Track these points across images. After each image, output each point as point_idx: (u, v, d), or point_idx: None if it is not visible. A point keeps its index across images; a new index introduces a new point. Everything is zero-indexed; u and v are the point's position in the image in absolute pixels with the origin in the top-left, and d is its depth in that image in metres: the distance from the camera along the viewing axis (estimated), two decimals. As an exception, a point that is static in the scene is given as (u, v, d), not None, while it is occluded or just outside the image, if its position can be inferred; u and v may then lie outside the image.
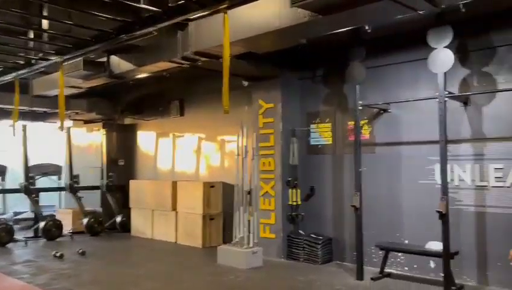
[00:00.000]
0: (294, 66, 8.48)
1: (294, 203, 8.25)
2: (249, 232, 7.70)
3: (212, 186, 9.66)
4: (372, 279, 6.67)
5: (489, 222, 6.25)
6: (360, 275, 6.76)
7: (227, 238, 9.08)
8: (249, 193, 7.76)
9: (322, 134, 8.29)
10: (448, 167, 6.15)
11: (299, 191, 8.28)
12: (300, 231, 8.23)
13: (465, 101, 6.50)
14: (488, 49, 6.34)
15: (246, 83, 8.71)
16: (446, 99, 6.01)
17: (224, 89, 5.41)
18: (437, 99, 6.05)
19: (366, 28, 6.15)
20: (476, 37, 6.40)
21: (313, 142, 8.44)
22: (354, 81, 6.99)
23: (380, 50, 7.25)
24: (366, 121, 7.58)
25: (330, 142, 8.17)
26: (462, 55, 6.46)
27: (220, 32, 5.58)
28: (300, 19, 5.44)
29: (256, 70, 8.04)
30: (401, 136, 7.21)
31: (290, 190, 8.26)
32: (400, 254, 7.10)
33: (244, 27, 6.08)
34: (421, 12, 5.28)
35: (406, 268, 7.06)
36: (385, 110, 7.36)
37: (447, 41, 5.92)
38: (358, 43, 6.89)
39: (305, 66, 8.46)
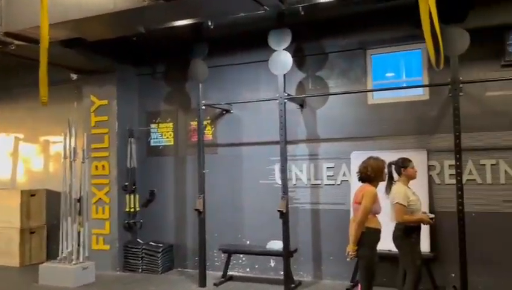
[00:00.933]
0: (132, 60, 7.82)
1: (132, 210, 7.59)
2: (79, 246, 6.76)
3: (33, 195, 8.32)
4: (215, 284, 6.45)
5: (323, 218, 6.59)
6: (202, 281, 6.48)
7: (52, 254, 7.89)
8: (79, 200, 6.82)
9: (163, 134, 7.81)
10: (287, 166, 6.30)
11: (137, 196, 7.65)
12: (139, 240, 7.60)
13: (302, 104, 6.77)
14: (321, 54, 6.70)
15: (74, 76, 7.70)
16: (285, 101, 6.14)
17: (41, 75, 4.46)
18: (277, 101, 6.13)
19: (209, 23, 5.94)
20: (311, 42, 6.70)
21: (153, 143, 7.90)
22: (196, 80, 6.71)
23: (223, 49, 7.11)
24: (209, 121, 7.37)
25: (172, 143, 7.74)
26: (299, 58, 6.71)
27: (39, 10, 4.66)
28: (138, 2, 4.88)
29: (87, 61, 7.15)
30: (243, 137, 7.18)
31: (127, 196, 7.57)
32: (242, 256, 7.05)
33: (72, 7, 5.25)
34: (266, 9, 5.22)
35: (248, 269, 7.04)
36: (227, 111, 7.26)
37: (286, 44, 6.05)
38: (201, 40, 6.63)
39: (145, 61, 7.88)
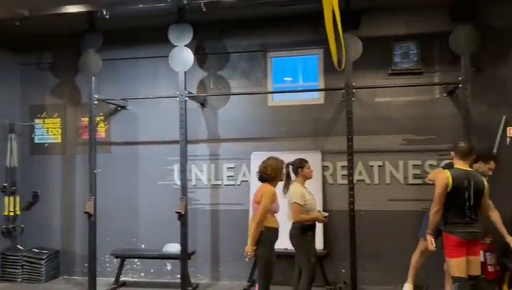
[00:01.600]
0: (13, 48, 7.05)
1: (12, 214, 6.84)
2: None
3: None
4: (106, 292, 6.06)
5: (223, 219, 6.54)
6: (92, 289, 6.03)
7: None
8: None
9: (49, 131, 7.14)
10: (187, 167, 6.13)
11: (18, 198, 6.91)
12: (19, 247, 6.86)
13: (203, 103, 6.65)
14: (223, 54, 6.65)
15: None
16: (186, 99, 5.97)
17: None
18: (177, 99, 5.95)
19: (104, 13, 5.57)
20: (214, 41, 6.62)
21: (37, 140, 7.18)
22: (88, 72, 6.23)
23: (120, 42, 6.72)
24: (102, 117, 6.91)
25: (59, 140, 7.11)
26: (200, 56, 6.59)
27: None
28: (21, -18, 4.39)
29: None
30: (140, 135, 6.85)
31: (5, 198, 6.80)
32: (136, 260, 6.72)
33: None
34: (167, 1, 5.01)
35: (143, 274, 6.72)
36: (123, 107, 6.87)
37: (187, 40, 5.89)
38: (94, 31, 6.18)
39: (30, 49, 7.14)
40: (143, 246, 6.73)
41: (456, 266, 4.12)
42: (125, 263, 6.52)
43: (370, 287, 5.87)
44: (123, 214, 6.79)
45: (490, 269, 5.53)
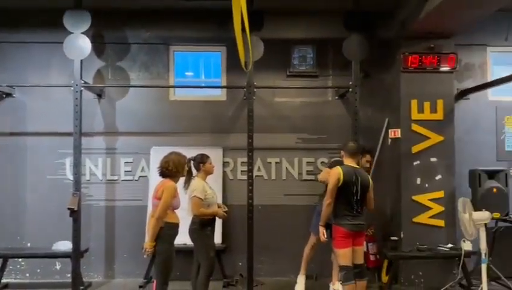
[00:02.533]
0: None
1: None
2: None
3: None
4: (-16, 296, 5.53)
5: (119, 216, 6.32)
6: (-33, 294, 5.47)
7: None
8: None
9: None
10: (81, 160, 5.83)
11: None
12: None
13: (100, 94, 6.36)
14: (123, 44, 6.42)
15: None
16: (82, 89, 5.67)
17: None
18: (72, 88, 5.61)
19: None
20: (113, 30, 6.35)
21: None
22: (-32, 54, 5.62)
23: (8, 24, 6.15)
24: (-17, 105, 6.27)
25: None
26: (98, 45, 6.28)
27: None
28: None
29: None
30: (28, 126, 6.34)
31: None
32: (21, 260, 6.22)
33: None
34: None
35: (28, 275, 6.25)
36: (9, 94, 6.29)
37: (85, 27, 5.60)
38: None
39: None
40: (29, 244, 6.25)
41: (344, 255, 4.47)
42: (8, 263, 5.99)
43: (265, 279, 6.12)
44: (7, 211, 6.23)
45: (372, 258, 6.10)
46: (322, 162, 6.31)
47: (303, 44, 6.38)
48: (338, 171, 4.51)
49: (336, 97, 6.40)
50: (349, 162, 4.66)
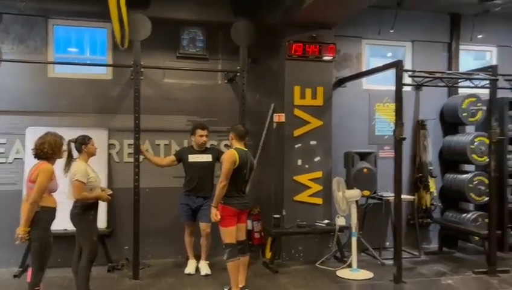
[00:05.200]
0: None
1: None
2: None
3: None
4: None
5: (-11, 201, 5.79)
6: None
7: None
8: None
9: None
10: None
11: None
12: None
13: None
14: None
15: None
16: None
17: None
18: None
19: None
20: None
21: None
22: None
23: None
24: None
25: None
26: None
27: None
28: None
29: None
30: None
31: None
32: None
33: None
34: None
35: None
36: None
37: None
38: None
39: None
40: None
41: (230, 233, 4.64)
42: None
43: (153, 261, 6.09)
44: None
45: (256, 235, 6.41)
46: (211, 145, 6.38)
47: (193, 26, 6.35)
48: (233, 153, 4.65)
49: (225, 81, 6.51)
50: (238, 144, 4.83)
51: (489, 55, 7.62)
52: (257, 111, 6.58)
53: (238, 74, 5.97)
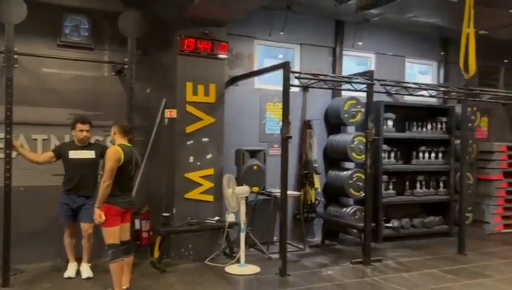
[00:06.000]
0: None
1: None
2: None
3: None
4: None
5: None
6: None
7: None
8: None
9: None
10: None
11: None
12: None
13: None
14: None
15: None
16: None
17: None
18: None
19: None
20: None
21: None
22: None
23: None
24: None
25: None
26: None
27: None
28: None
29: None
30: None
31: None
32: None
33: None
34: None
35: None
36: None
37: None
38: None
39: None
40: None
41: (113, 234, 4.43)
42: None
43: (28, 266, 5.56)
44: None
45: (145, 235, 6.20)
46: (96, 140, 6.02)
47: (76, 13, 5.93)
48: (118, 150, 4.42)
49: (113, 73, 6.19)
50: (123, 140, 4.62)
51: (369, 61, 8.26)
52: (147, 106, 6.37)
53: (126, 66, 5.72)
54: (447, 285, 5.29)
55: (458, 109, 7.69)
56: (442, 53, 8.69)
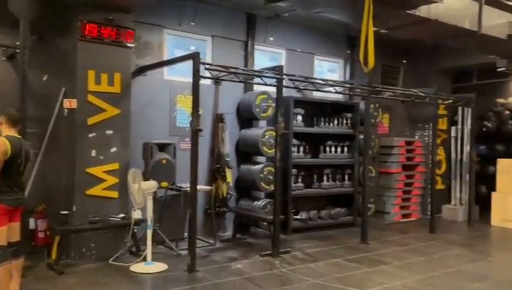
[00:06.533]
0: None
1: None
2: None
3: None
4: None
5: None
6: None
7: None
8: None
9: None
10: None
11: None
12: None
13: None
14: None
15: None
16: None
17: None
18: None
19: None
20: None
21: None
22: None
23: None
24: None
25: None
26: None
27: None
28: None
29: None
30: None
31: None
32: None
33: None
34: None
35: None
36: None
37: None
38: None
39: None
40: None
41: (1, 234, 3.99)
42: None
43: None
44: None
45: (41, 235, 5.71)
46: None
47: (-41, -11, 5.28)
48: (5, 142, 4.00)
49: (4, 58, 5.60)
50: (11, 132, 4.20)
51: (281, 57, 8.37)
52: (44, 95, 5.87)
53: (18, 50, 5.19)
54: (350, 273, 5.51)
55: (362, 105, 8.08)
56: (348, 51, 9.07)
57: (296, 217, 7.74)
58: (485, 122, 10.14)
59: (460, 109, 9.69)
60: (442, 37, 7.03)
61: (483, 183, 9.85)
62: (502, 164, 9.05)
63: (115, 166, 6.02)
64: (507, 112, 9.99)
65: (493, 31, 6.69)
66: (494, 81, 9.70)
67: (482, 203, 9.52)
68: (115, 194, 6.01)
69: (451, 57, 9.65)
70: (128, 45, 6.06)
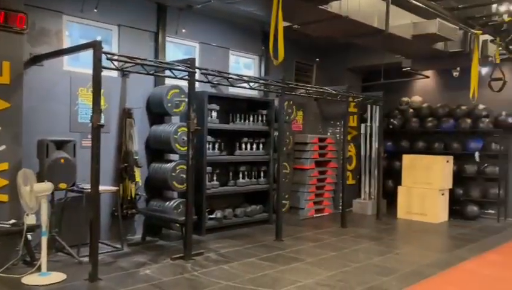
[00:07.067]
0: None
1: None
2: None
3: None
4: None
5: None
6: None
7: None
8: None
9: None
10: None
11: None
12: None
13: None
14: None
15: None
16: None
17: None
18: None
19: None
20: None
21: None
22: None
23: None
24: None
25: None
26: None
27: None
28: None
29: None
30: None
31: None
32: None
33: None
34: None
35: None
36: None
37: None
38: None
39: None
40: None
41: None
42: None
43: None
44: None
45: None
46: None
47: None
48: None
49: None
50: None
51: (195, 50, 8.05)
52: None
53: None
54: (264, 273, 5.38)
55: (277, 102, 8.03)
56: (263, 48, 8.98)
57: (210, 216, 7.50)
58: (392, 120, 10.66)
59: (369, 106, 10.07)
60: (352, 35, 7.15)
61: (390, 178, 10.34)
62: (407, 159, 9.54)
63: (4, 166, 5.36)
64: (411, 111, 10.58)
65: (399, 31, 6.92)
66: (400, 80, 10.19)
67: (389, 197, 9.98)
68: (4, 197, 5.36)
69: (361, 56, 9.98)
70: (19, 30, 5.39)
